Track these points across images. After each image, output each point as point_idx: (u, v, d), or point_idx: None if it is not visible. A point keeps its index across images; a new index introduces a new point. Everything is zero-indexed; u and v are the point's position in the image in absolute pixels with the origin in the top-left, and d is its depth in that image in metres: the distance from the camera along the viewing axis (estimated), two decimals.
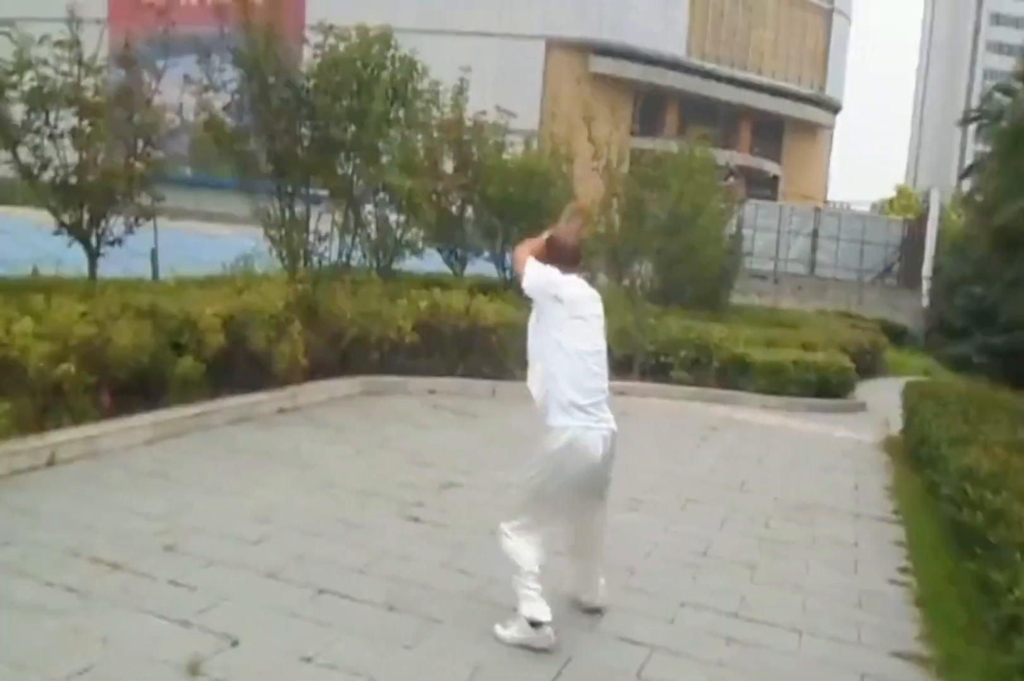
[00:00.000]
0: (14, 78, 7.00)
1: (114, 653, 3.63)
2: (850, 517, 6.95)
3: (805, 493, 7.50)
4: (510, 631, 4.07)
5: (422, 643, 4.00)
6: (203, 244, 13.09)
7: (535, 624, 3.99)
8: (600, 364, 4.26)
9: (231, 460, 6.55)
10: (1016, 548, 4.36)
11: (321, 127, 9.23)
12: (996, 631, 4.22)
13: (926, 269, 24.90)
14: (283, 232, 9.49)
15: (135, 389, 6.90)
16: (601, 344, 4.30)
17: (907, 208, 42.66)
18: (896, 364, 17.33)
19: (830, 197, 48.76)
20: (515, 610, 4.08)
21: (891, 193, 53.01)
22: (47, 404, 6.13)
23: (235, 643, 3.80)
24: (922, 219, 28.06)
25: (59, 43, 7.35)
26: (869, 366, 15.35)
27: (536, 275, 4.26)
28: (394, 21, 10.34)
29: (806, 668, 4.24)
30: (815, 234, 29.66)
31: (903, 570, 5.77)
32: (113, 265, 9.10)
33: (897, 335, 20.45)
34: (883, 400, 12.05)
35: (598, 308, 4.36)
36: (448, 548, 5.18)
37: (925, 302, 24.11)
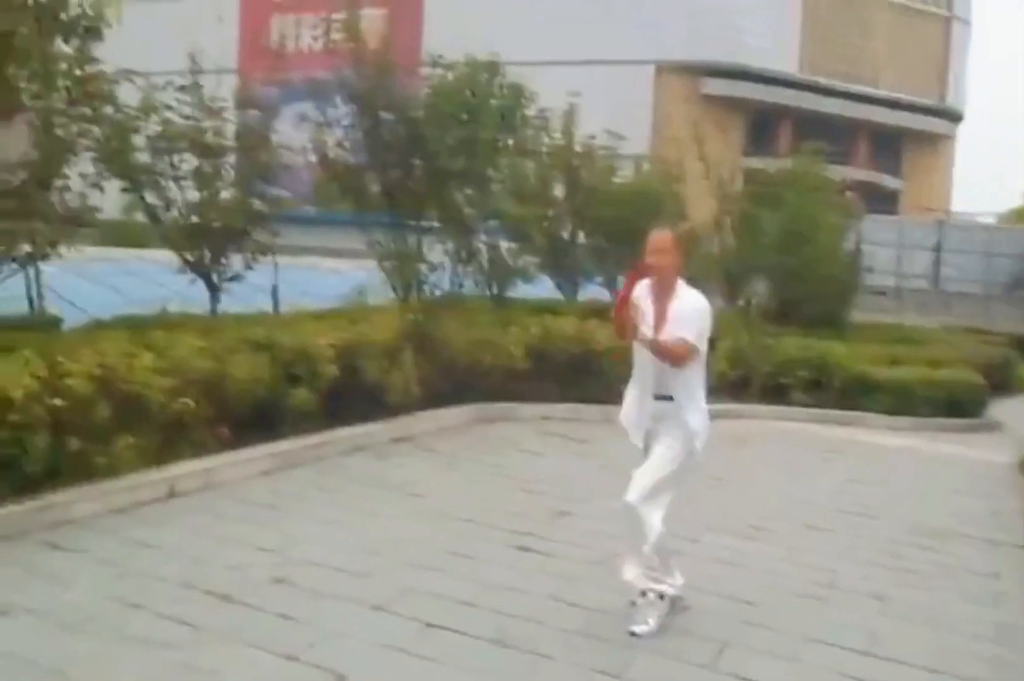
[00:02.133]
0: (140, 123, 7.28)
1: None
2: (987, 545, 6.54)
3: (936, 519, 7.11)
4: (652, 619, 4.39)
5: (532, 680, 3.89)
6: (324, 279, 13.39)
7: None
8: None
9: (344, 491, 6.59)
10: None
11: (431, 157, 9.32)
12: None
13: None
14: (396, 262, 9.60)
15: (252, 421, 7.03)
16: None
17: None
18: None
19: (954, 209, 46.86)
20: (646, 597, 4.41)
21: (1018, 202, 50.64)
22: (168, 438, 6.29)
23: (342, 679, 3.77)
24: None
25: (182, 88, 7.65)
26: (1001, 383, 14.57)
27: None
28: (505, 52, 10.39)
29: None
30: (938, 247, 28.51)
31: None
32: (237, 301, 9.38)
33: None
34: (1019, 418, 11.40)
35: None
36: (559, 579, 5.07)
37: None
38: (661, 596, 4.46)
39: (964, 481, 8.66)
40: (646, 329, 4.41)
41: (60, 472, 5.50)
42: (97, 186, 7.03)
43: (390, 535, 5.64)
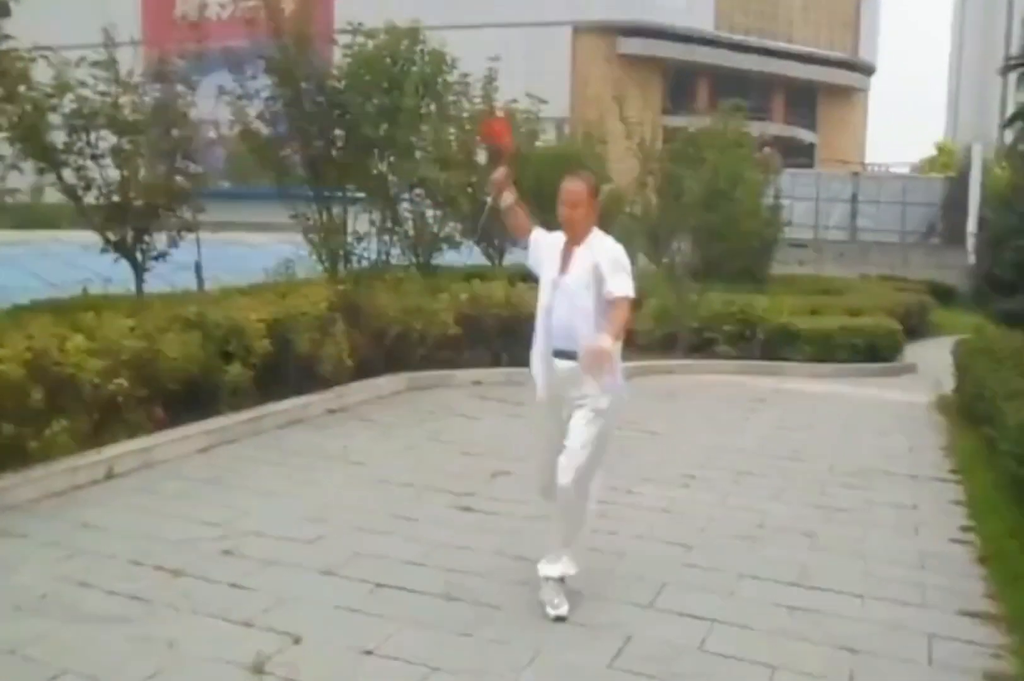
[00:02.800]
0: (54, 101, 7.12)
1: (181, 657, 3.71)
2: (907, 479, 6.87)
3: (859, 458, 7.43)
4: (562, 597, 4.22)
5: (481, 631, 4.03)
6: (245, 254, 13.24)
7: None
8: None
9: (283, 463, 6.64)
10: None
11: (354, 127, 9.26)
12: None
13: (971, 225, 24.35)
14: (322, 235, 9.56)
15: (187, 399, 7.02)
16: None
17: (948, 165, 41.73)
18: (945, 324, 17.01)
19: (869, 160, 47.87)
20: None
21: (931, 152, 51.86)
22: (103, 419, 6.26)
23: (297, 641, 3.87)
24: (964, 175, 27.49)
25: (96, 64, 7.48)
26: (917, 328, 15.12)
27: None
28: (422, 18, 10.32)
29: (871, 632, 4.20)
30: (854, 199, 29.19)
31: (965, 529, 5.71)
32: (159, 280, 9.26)
33: (945, 295, 20.08)
34: (933, 361, 11.87)
35: None
36: (502, 535, 5.21)
37: (971, 259, 23.59)
38: (562, 579, 4.29)
39: (884, 422, 9.02)
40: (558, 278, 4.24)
41: None
42: (16, 167, 6.88)
43: (334, 502, 5.73)
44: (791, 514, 5.92)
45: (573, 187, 4.27)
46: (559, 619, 4.13)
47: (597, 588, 4.50)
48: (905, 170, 43.17)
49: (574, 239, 4.28)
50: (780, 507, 6.07)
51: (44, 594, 4.23)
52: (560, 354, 4.21)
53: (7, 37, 6.60)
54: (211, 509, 5.49)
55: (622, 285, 4.09)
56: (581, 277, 4.17)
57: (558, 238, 4.34)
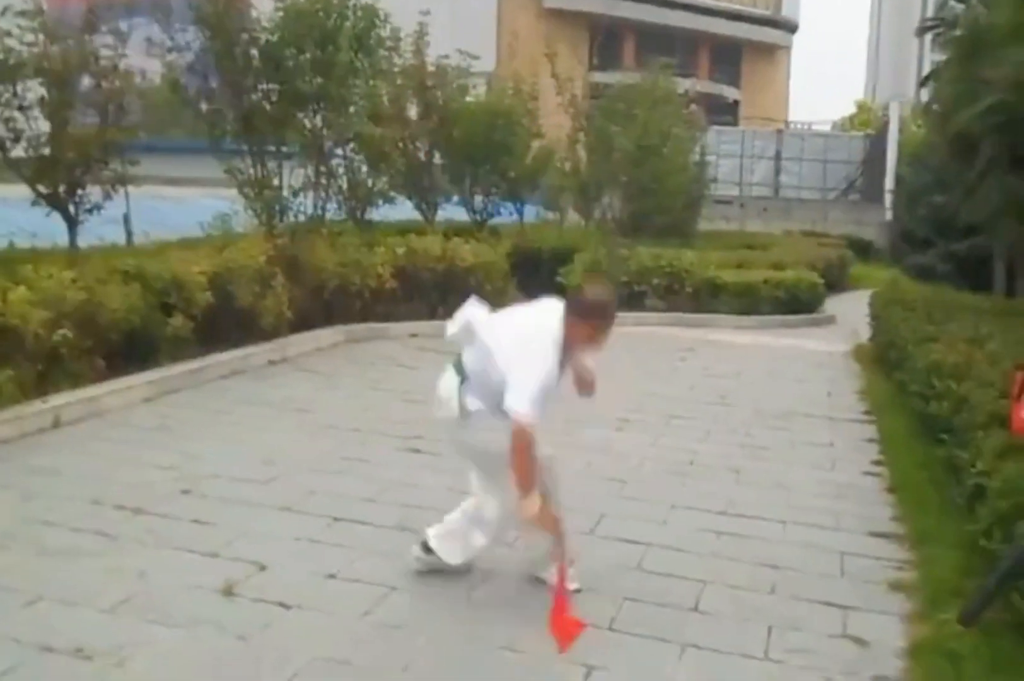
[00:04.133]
0: None
1: (152, 584, 3.91)
2: (825, 421, 7.31)
3: (782, 402, 7.86)
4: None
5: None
6: (169, 208, 13.13)
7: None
8: None
9: (229, 411, 6.80)
10: (978, 428, 4.69)
11: (287, 81, 9.27)
12: (963, 503, 4.56)
13: (888, 182, 25.12)
14: (257, 189, 9.59)
15: (128, 350, 7.12)
16: None
17: (868, 123, 42.69)
18: (863, 277, 17.67)
19: (792, 118, 48.62)
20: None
21: (851, 110, 52.91)
22: (46, 369, 6.34)
23: (263, 568, 4.10)
24: (882, 133, 28.25)
25: (22, 13, 7.37)
26: (837, 281, 15.70)
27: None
28: None
29: (791, 552, 4.58)
30: (778, 156, 29.83)
31: (877, 463, 6.15)
32: (87, 234, 9.19)
33: (863, 249, 20.79)
34: (852, 312, 12.39)
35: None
36: (450, 474, 5.45)
37: (889, 215, 24.39)
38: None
39: (805, 369, 9.48)
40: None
41: None
42: None
43: (284, 447, 5.93)
44: (718, 453, 6.30)
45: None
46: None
47: None
48: (827, 128, 44.05)
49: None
50: (708, 447, 6.45)
51: (8, 532, 4.38)
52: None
53: None
54: (163, 454, 5.65)
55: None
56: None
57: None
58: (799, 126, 42.48)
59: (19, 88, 7.60)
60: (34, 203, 8.06)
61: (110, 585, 3.88)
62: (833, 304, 13.89)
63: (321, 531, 4.55)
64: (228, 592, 3.84)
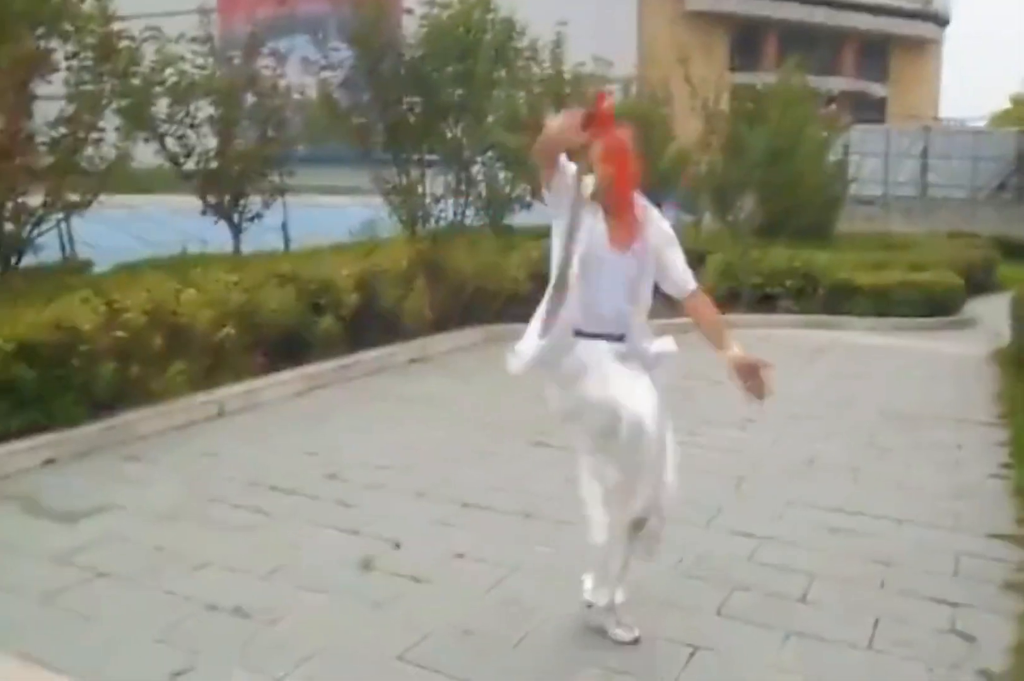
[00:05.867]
0: (158, 76, 7.76)
1: (300, 555, 4.37)
2: (954, 423, 7.26)
3: (910, 404, 7.83)
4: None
5: (556, 541, 4.62)
6: (324, 216, 13.95)
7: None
8: None
9: (373, 406, 7.31)
10: None
11: (430, 94, 9.79)
12: None
13: None
14: (401, 197, 10.15)
15: (283, 348, 7.72)
16: None
17: (1023, 119, 40.80)
18: (1012, 279, 17.01)
19: (943, 114, 46.92)
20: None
21: (1006, 105, 50.55)
22: (212, 364, 6.97)
23: (397, 546, 4.51)
24: None
25: (194, 39, 8.09)
26: (981, 283, 15.19)
27: None
28: None
29: (905, 550, 4.69)
30: (924, 154, 28.88)
31: (1005, 465, 6.11)
32: (248, 241, 9.97)
33: (1015, 250, 19.93)
34: (995, 315, 12.04)
35: None
36: (572, 467, 5.78)
37: None
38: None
39: (937, 372, 9.36)
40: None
41: (124, 396, 6.19)
42: (132, 137, 7.57)
43: (421, 439, 6.36)
44: (840, 453, 6.40)
45: (619, 136, 3.39)
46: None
47: None
48: (981, 124, 42.29)
49: (621, 204, 3.48)
50: (830, 447, 6.55)
51: (179, 507, 4.94)
52: (609, 337, 3.55)
53: (117, 18, 7.20)
54: (312, 443, 6.17)
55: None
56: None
57: (592, 205, 3.44)
58: (951, 122, 40.93)
59: (191, 108, 8.31)
60: (203, 212, 8.79)
61: (266, 555, 4.35)
62: (976, 307, 13.52)
63: (452, 515, 4.93)
64: (366, 566, 4.26)
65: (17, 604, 3.82)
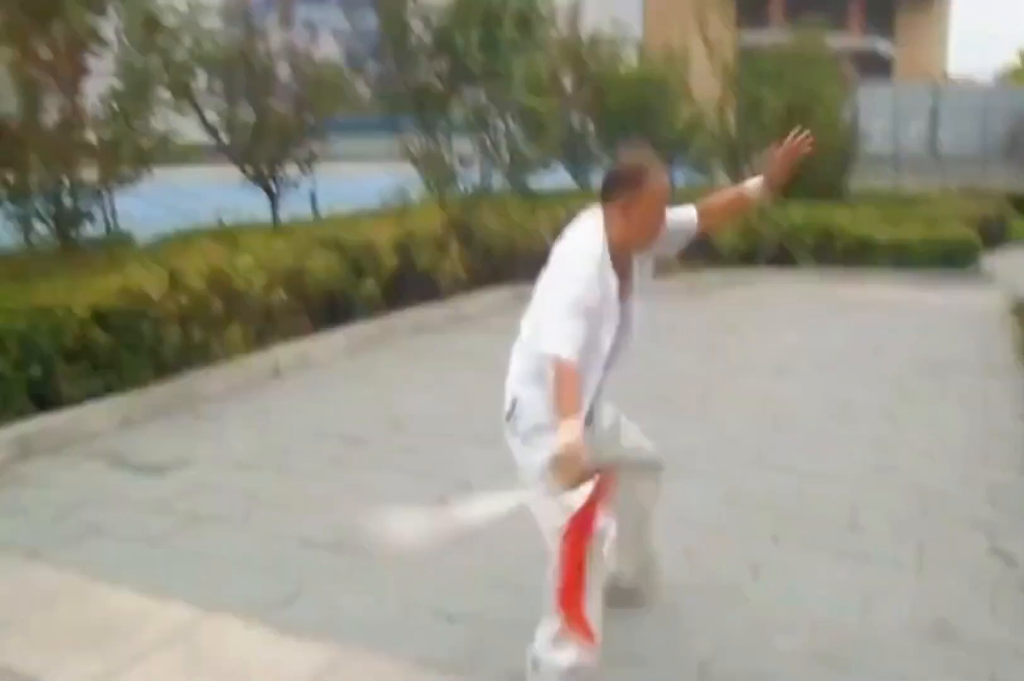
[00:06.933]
0: (196, 50, 7.96)
1: (380, 496, 4.67)
2: (979, 370, 7.55)
3: (935, 353, 8.11)
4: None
5: None
6: (343, 183, 14.17)
7: None
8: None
9: (419, 362, 7.62)
10: None
11: (458, 60, 9.98)
12: None
13: None
14: (430, 162, 10.38)
15: (328, 309, 8.00)
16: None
17: None
18: None
19: (952, 71, 46.70)
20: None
21: (1014, 59, 50.24)
22: (265, 326, 7.26)
23: (468, 486, 4.82)
24: None
25: (229, 12, 8.28)
26: (995, 237, 15.37)
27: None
28: None
29: (943, 482, 5.00)
30: (934, 112, 28.89)
31: None
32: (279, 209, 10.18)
33: None
34: (1010, 269, 12.31)
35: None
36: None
37: None
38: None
39: (960, 324, 9.62)
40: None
41: (187, 358, 6.49)
42: (180, 111, 7.80)
43: (473, 391, 6.61)
44: (872, 398, 6.69)
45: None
46: None
47: (706, 449, 5.38)
48: (989, 78, 42.11)
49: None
50: (863, 393, 6.84)
51: (256, 457, 5.26)
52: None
53: None
54: (369, 396, 6.50)
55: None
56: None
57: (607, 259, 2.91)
58: (959, 79, 40.77)
59: (227, 80, 8.51)
60: (243, 183, 9.01)
61: (347, 497, 4.67)
62: (992, 261, 13.73)
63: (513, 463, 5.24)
64: (444, 502, 4.58)
65: (129, 547, 4.15)
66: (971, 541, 4.31)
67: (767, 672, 3.21)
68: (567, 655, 2.80)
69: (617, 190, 2.90)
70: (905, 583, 3.91)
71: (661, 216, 2.96)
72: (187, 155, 8.41)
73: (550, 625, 2.84)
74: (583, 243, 2.88)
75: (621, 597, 3.45)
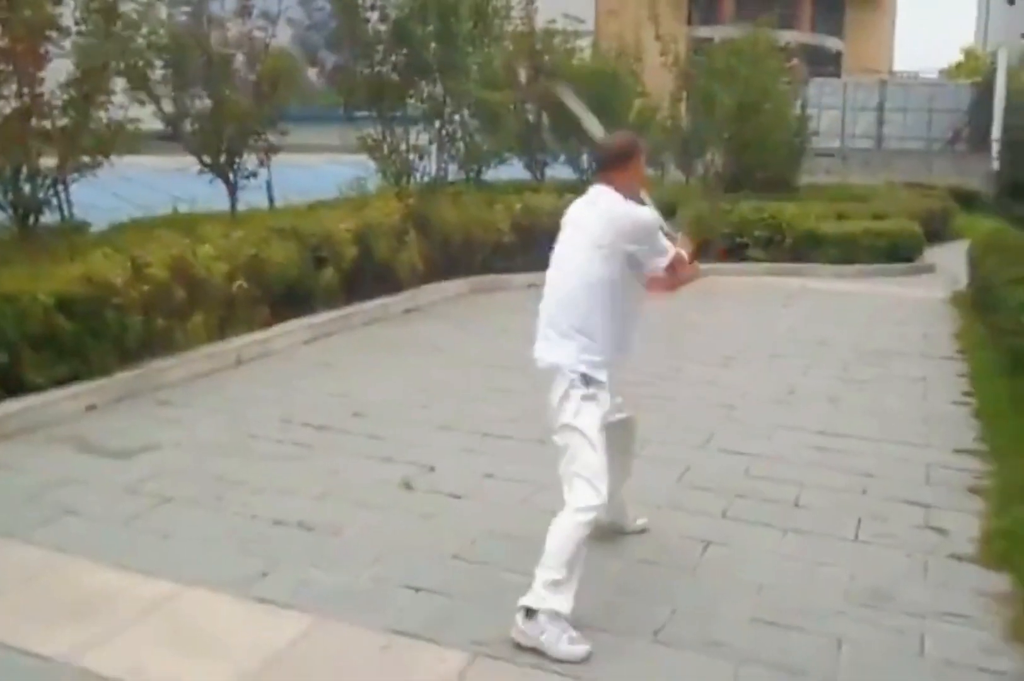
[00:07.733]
0: (152, 39, 7.99)
1: (343, 480, 4.83)
2: (919, 358, 7.88)
3: (878, 343, 8.45)
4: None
5: None
6: (297, 174, 14.20)
7: None
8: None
9: (378, 351, 7.76)
10: None
11: (414, 52, 10.09)
12: None
13: (995, 131, 24.72)
14: (386, 153, 10.48)
15: (287, 299, 8.10)
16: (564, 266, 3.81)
17: (975, 71, 41.48)
18: (967, 228, 17.69)
19: (897, 68, 47.56)
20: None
21: (959, 57, 51.29)
22: (226, 315, 7.35)
23: (432, 469, 4.99)
24: (990, 81, 27.65)
25: (187, 1, 8.32)
26: (939, 232, 15.86)
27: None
28: None
29: (883, 463, 5.27)
30: (880, 107, 29.51)
31: (966, 393, 6.74)
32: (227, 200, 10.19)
33: (969, 200, 20.63)
34: (952, 262, 12.72)
35: (579, 218, 3.74)
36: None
37: (995, 165, 24.05)
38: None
39: (902, 314, 9.99)
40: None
41: (150, 346, 6.56)
42: (139, 100, 7.83)
43: (432, 379, 6.83)
44: (818, 385, 6.98)
45: None
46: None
47: (659, 435, 5.58)
48: (934, 76, 42.94)
49: None
50: (808, 380, 7.13)
51: (227, 443, 5.37)
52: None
53: None
54: (330, 385, 6.62)
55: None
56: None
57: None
58: (905, 76, 41.56)
59: (184, 69, 8.55)
60: (200, 172, 9.06)
61: (314, 480, 4.81)
62: (935, 254, 14.19)
63: (475, 443, 5.42)
64: (407, 486, 4.74)
65: (102, 527, 4.24)
66: (907, 516, 4.57)
67: (716, 637, 3.42)
68: (564, 599, 3.27)
69: (622, 159, 3.69)
70: (845, 555, 4.15)
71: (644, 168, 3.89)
72: (145, 143, 8.43)
73: (546, 574, 3.31)
74: (628, 206, 3.60)
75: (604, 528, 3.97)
